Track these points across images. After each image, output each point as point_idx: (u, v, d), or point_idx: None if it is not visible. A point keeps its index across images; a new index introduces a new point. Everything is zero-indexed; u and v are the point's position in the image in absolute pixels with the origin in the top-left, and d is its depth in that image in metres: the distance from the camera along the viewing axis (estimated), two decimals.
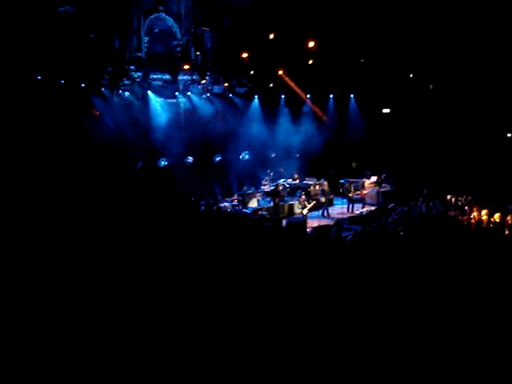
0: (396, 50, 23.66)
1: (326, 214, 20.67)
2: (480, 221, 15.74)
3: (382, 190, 21.90)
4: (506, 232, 14.47)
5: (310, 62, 24.12)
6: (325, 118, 26.71)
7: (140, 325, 6.40)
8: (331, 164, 24.23)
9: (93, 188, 17.62)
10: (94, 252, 9.97)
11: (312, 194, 21.93)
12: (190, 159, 23.89)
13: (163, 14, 24.39)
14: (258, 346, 5.87)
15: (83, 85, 21.41)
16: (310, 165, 24.79)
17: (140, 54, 23.67)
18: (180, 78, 24.62)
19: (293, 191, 22.25)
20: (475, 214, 16.02)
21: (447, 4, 21.33)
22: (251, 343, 5.94)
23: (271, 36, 21.22)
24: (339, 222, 17.85)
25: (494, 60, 21.65)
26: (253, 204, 21.26)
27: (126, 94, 23.25)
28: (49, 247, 10.40)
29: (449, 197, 18.79)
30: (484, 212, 15.91)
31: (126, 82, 23.04)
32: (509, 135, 23.50)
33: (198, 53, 23.28)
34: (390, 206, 19.13)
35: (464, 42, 21.92)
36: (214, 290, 7.74)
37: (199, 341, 6.04)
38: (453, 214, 16.75)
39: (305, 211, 19.25)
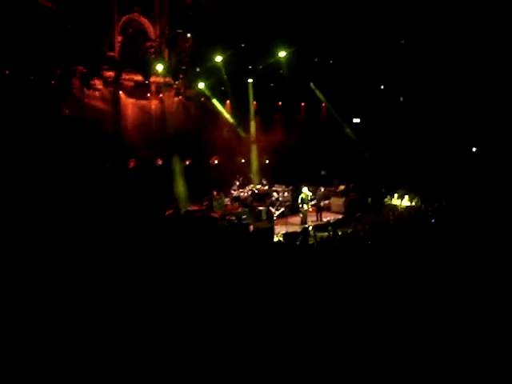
0: (368, 61, 24.03)
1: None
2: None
3: (349, 198, 22.10)
4: None
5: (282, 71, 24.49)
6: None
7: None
8: (300, 172, 24.36)
9: (57, 188, 17.33)
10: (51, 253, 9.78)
11: (281, 200, 22.01)
12: (160, 162, 23.77)
13: (138, 14, 24.23)
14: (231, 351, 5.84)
15: (53, 82, 21.06)
16: (280, 171, 24.93)
17: (113, 54, 23.42)
18: (152, 79, 24.45)
19: (261, 197, 22.29)
20: None
21: (419, 18, 21.78)
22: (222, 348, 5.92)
23: (242, 44, 21.40)
24: (306, 229, 18.01)
25: (464, 74, 22.18)
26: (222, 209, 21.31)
27: (97, 93, 22.96)
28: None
29: None
30: None
31: (97, 81, 22.74)
32: (474, 149, 24.10)
33: (171, 55, 23.13)
34: (356, 215, 19.38)
35: (435, 55, 22.41)
36: (177, 294, 7.68)
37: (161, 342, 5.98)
38: None
39: (275, 216, 19.41)
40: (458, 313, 6.63)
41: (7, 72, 19.43)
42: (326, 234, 16.06)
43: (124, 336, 6.06)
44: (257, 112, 27.03)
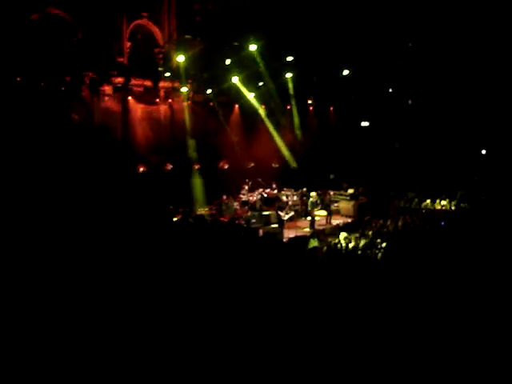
0: (376, 64, 24.00)
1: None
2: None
3: (358, 202, 22.08)
4: None
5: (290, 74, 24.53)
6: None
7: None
8: (309, 175, 24.33)
9: (67, 194, 17.44)
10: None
11: (290, 204, 22.02)
12: (169, 167, 23.87)
13: (147, 20, 24.38)
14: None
15: (63, 88, 21.22)
16: (289, 175, 24.93)
17: (122, 60, 23.56)
18: (161, 84, 24.58)
19: (271, 201, 22.30)
20: None
21: (426, 21, 21.73)
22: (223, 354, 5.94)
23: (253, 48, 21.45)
24: (316, 233, 17.97)
25: (471, 77, 22.10)
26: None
27: (107, 99, 23.07)
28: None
29: None
30: None
31: (106, 86, 22.88)
32: (483, 152, 23.99)
33: (179, 60, 23.18)
34: (365, 218, 19.31)
35: (443, 57, 22.35)
36: (185, 299, 7.71)
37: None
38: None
39: (284, 220, 19.46)
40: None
41: (18, 79, 19.63)
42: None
43: (126, 336, 6.11)
44: (266, 115, 27.04)
